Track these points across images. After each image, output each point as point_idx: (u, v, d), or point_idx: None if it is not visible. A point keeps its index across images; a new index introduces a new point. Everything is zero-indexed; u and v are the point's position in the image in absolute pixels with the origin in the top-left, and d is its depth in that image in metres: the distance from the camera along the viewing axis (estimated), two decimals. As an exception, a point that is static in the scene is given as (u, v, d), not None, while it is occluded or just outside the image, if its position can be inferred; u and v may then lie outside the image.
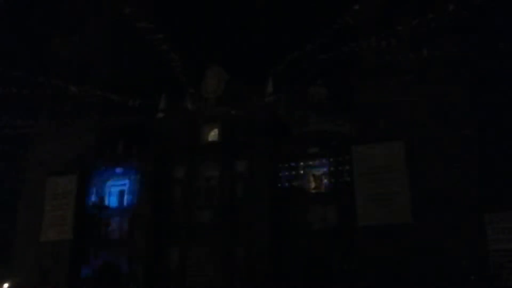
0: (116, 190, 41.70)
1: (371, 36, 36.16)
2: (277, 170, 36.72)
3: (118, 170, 41.47)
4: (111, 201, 41.37)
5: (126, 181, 41.26)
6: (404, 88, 34.16)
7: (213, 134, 40.65)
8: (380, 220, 31.91)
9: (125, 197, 41.15)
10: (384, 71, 35.47)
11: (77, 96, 42.90)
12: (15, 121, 32.91)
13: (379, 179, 32.85)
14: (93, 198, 41.21)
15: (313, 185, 37.01)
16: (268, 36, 53.60)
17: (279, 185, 36.56)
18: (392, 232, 31.25)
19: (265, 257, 34.13)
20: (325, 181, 36.26)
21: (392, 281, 29.66)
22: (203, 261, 36.86)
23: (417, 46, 33.05)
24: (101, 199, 40.68)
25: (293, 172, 36.51)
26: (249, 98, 39.18)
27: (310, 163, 36.74)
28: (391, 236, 31.16)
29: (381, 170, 32.84)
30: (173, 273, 37.28)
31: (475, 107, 33.28)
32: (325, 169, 36.35)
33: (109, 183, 41.69)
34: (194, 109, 38.01)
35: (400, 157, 32.66)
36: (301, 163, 36.64)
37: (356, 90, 36.66)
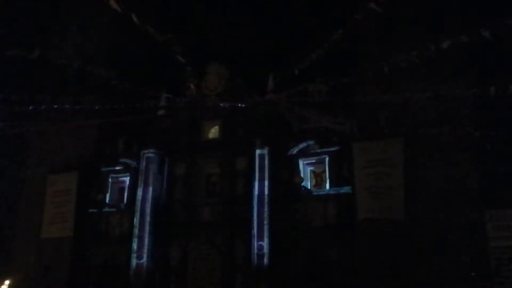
0: (116, 187, 41.74)
1: (372, 34, 36.21)
2: (277, 167, 36.64)
3: (119, 167, 41.46)
4: (111, 198, 41.42)
5: (127, 178, 41.29)
6: (405, 85, 34.00)
7: (213, 131, 40.63)
8: (380, 217, 31.86)
9: (125, 194, 41.19)
10: (384, 68, 35.29)
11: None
12: (15, 118, 32.79)
13: (380, 176, 32.80)
14: (94, 195, 41.22)
15: (313, 182, 37.01)
16: (269, 33, 53.50)
17: (279, 182, 36.48)
18: (392, 229, 31.22)
19: (265, 254, 34.04)
20: (325, 178, 36.24)
21: (391, 278, 29.64)
22: (203, 258, 36.90)
23: (418, 44, 32.82)
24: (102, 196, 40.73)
25: (293, 169, 36.42)
26: (249, 95, 39.10)
27: (310, 160, 36.71)
28: (391, 233, 31.13)
29: (381, 167, 32.79)
30: (173, 270, 37.31)
31: (476, 103, 33.12)
32: (325, 166, 36.31)
33: (110, 180, 41.67)
34: (195, 103, 37.87)
35: (400, 154, 32.60)
36: (301, 160, 36.61)
37: (356, 87, 36.51)
